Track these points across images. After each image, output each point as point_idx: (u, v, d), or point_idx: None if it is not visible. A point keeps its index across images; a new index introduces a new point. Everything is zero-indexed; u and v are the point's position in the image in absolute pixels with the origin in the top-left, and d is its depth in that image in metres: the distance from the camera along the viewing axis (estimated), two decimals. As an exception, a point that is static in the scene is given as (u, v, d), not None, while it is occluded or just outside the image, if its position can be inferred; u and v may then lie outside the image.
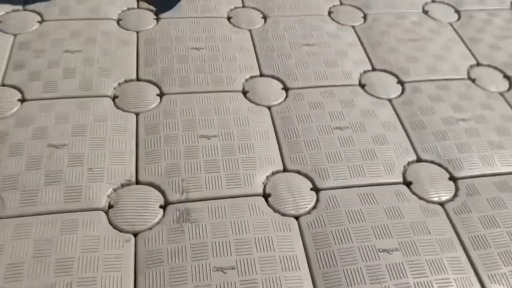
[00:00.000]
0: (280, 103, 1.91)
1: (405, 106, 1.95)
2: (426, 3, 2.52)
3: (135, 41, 2.10)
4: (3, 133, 1.66)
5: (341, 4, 2.47)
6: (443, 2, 2.53)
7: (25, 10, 2.20)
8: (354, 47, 2.21)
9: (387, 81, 2.06)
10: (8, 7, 2.19)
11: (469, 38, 2.33)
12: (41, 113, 1.74)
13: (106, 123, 1.73)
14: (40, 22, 2.14)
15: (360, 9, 2.44)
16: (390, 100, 1.98)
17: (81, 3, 2.25)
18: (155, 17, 2.25)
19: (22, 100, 1.79)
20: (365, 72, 2.10)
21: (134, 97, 1.85)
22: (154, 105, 1.84)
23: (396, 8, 2.46)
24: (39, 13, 2.19)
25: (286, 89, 1.98)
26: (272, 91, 1.96)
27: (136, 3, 2.31)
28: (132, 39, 2.11)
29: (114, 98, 1.85)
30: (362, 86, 2.03)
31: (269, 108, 1.89)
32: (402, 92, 2.02)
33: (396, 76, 2.09)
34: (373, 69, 2.11)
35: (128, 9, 2.28)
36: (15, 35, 2.06)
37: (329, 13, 2.40)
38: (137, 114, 1.80)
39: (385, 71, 2.11)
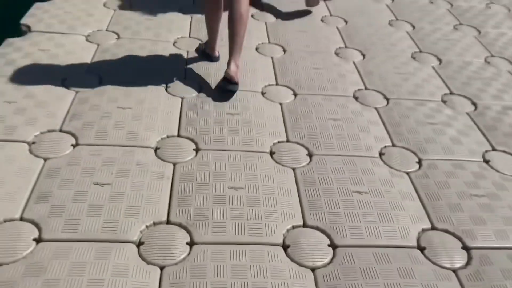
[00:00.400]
0: (326, 265, 1.65)
1: (474, 282, 1.65)
2: (486, 151, 2.31)
3: (171, 174, 1.94)
4: (8, 282, 1.45)
5: (393, 145, 2.29)
6: (505, 152, 2.32)
7: (61, 131, 2.11)
8: (410, 198, 1.98)
9: (450, 244, 1.79)
10: (44, 127, 2.11)
11: (540, 196, 2.07)
12: (55, 260, 1.53)
13: (125, 280, 1.49)
14: (74, 146, 2.03)
15: (414, 153, 2.25)
16: (455, 271, 1.69)
17: (119, 127, 2.15)
18: (194, 147, 2.12)
19: (38, 240, 1.60)
20: (423, 230, 1.84)
21: (161, 244, 1.64)
22: (182, 257, 1.61)
23: (454, 154, 2.26)
24: (74, 135, 2.09)
25: (333, 246, 1.73)
26: (317, 248, 1.71)
27: (177, 132, 2.20)
28: (167, 173, 1.95)
29: (139, 244, 1.64)
30: (421, 249, 1.76)
31: (313, 270, 1.63)
32: (469, 262, 1.73)
33: (459, 239, 1.82)
34: (433, 228, 1.86)
35: (168, 136, 2.16)
36: (45, 160, 1.94)
37: (380, 154, 2.22)
38: (161, 268, 1.56)
39: (447, 231, 1.84)
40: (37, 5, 3.06)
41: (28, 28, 2.81)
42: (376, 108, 2.55)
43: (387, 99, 2.63)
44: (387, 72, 2.87)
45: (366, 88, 2.71)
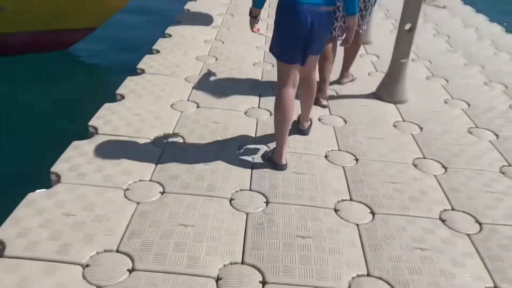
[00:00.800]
0: None
1: None
2: None
3: (235, 316, 1.68)
4: None
5: (495, 287, 1.92)
6: None
7: (118, 251, 1.93)
8: None
9: None
10: (101, 246, 1.94)
11: None
12: None
13: None
14: (130, 271, 1.83)
15: (524, 300, 1.87)
16: None
17: (179, 250, 1.94)
18: (261, 279, 1.86)
19: None
20: None
21: None
22: None
23: None
24: (131, 258, 1.89)
25: None
26: None
27: (241, 257, 1.96)
28: (231, 313, 1.69)
29: None
30: None
31: None
32: None
33: None
34: None
35: (231, 263, 1.93)
36: (99, 288, 1.74)
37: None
38: None
39: None
40: (106, 105, 3.08)
41: (96, 130, 2.78)
42: (468, 235, 2.21)
43: (480, 224, 2.29)
44: (476, 190, 2.55)
45: (453, 209, 2.39)
